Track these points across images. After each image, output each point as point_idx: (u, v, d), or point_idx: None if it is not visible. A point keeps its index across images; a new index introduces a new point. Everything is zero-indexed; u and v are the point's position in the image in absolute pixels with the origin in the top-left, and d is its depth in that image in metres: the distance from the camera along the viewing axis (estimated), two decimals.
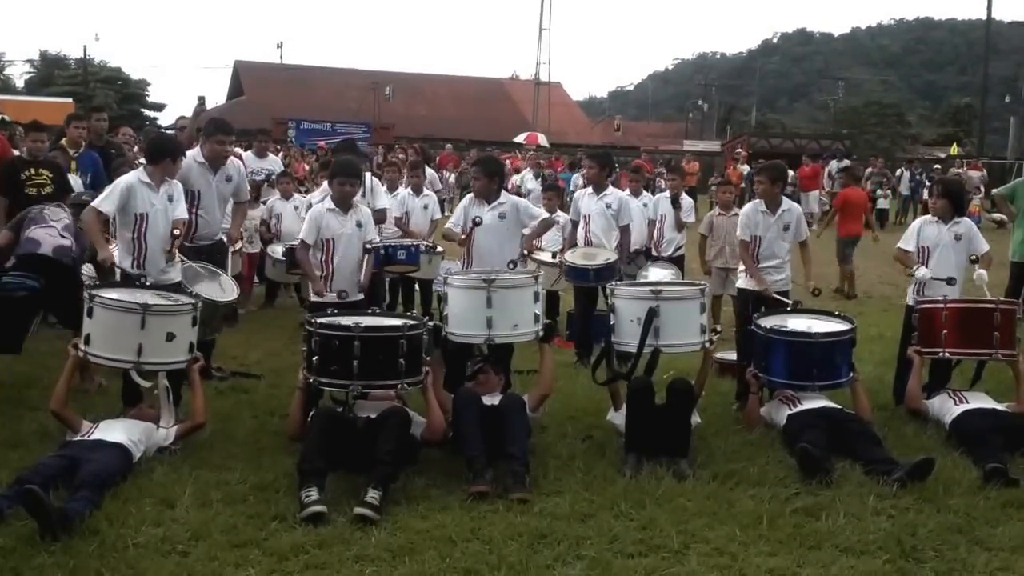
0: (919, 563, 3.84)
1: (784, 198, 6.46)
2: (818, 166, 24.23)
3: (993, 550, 3.97)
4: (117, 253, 5.67)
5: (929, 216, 6.57)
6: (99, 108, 10.06)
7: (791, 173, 23.85)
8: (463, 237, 6.29)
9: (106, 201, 5.60)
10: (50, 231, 6.10)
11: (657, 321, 5.10)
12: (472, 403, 4.92)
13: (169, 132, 12.13)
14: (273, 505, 4.24)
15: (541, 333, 5.28)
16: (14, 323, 5.87)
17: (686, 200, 9.21)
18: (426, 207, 8.97)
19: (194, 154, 6.43)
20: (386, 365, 4.76)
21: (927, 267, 6.21)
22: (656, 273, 7.98)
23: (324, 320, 4.95)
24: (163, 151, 5.80)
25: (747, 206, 6.63)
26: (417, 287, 8.54)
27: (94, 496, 4.11)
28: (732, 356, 6.93)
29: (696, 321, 5.25)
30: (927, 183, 23.91)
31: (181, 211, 5.87)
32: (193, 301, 5.20)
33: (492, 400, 5.09)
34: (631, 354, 5.17)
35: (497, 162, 7.30)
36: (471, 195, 6.51)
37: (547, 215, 6.94)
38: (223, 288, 6.07)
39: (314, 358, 4.79)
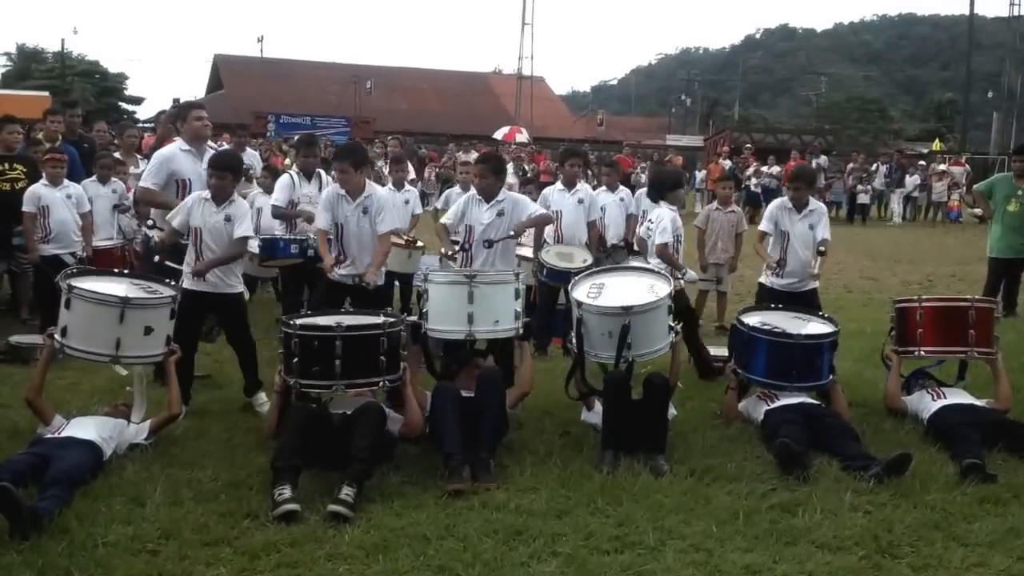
0: (895, 559, 3.83)
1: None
2: (804, 161, 24.35)
3: (969, 546, 3.96)
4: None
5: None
6: (73, 103, 10.01)
7: (777, 168, 24.10)
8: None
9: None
10: None
11: (629, 335, 5.04)
12: (450, 398, 4.87)
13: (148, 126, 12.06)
14: (245, 503, 4.19)
15: (521, 330, 5.24)
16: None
17: None
18: (407, 202, 8.91)
19: (178, 144, 6.45)
20: (367, 363, 4.73)
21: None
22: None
23: (303, 321, 4.90)
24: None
25: (774, 203, 7.04)
26: (397, 283, 8.47)
27: (64, 494, 4.04)
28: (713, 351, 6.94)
29: (664, 325, 5.20)
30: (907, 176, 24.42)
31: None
32: (173, 293, 5.16)
33: (471, 393, 5.04)
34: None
35: (500, 159, 7.27)
36: (471, 193, 6.48)
37: (543, 211, 6.92)
38: None
39: (294, 360, 4.73)
